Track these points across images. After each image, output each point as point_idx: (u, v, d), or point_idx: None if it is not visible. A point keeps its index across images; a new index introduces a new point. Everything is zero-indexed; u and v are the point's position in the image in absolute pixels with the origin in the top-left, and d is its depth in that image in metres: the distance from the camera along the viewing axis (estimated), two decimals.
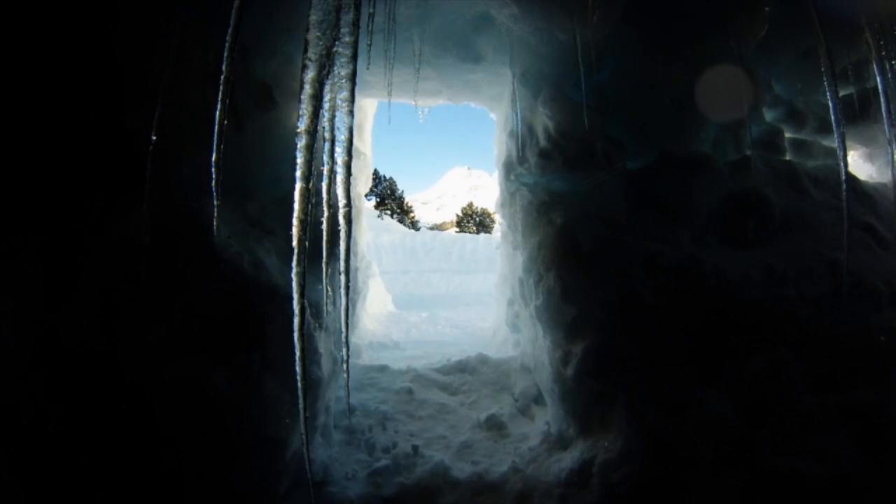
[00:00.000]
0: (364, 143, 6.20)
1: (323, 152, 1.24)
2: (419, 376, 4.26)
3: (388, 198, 23.35)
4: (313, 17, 1.15)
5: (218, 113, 1.48)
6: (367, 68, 3.24)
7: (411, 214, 24.11)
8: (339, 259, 1.39)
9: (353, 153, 1.29)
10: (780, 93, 4.52)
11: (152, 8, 2.50)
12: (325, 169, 1.24)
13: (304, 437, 1.51)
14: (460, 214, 25.80)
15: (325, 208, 1.29)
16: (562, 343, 3.17)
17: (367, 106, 6.27)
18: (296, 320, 1.30)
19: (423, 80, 4.68)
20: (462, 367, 4.47)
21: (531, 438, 3.30)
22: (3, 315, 2.10)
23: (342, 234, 1.32)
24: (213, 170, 1.58)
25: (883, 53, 2.80)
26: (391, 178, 24.33)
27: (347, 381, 1.71)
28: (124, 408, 2.20)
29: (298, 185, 1.21)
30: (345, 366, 1.64)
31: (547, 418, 3.36)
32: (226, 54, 1.39)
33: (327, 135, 1.23)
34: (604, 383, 2.92)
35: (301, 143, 1.18)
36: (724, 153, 4.02)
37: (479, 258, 12.18)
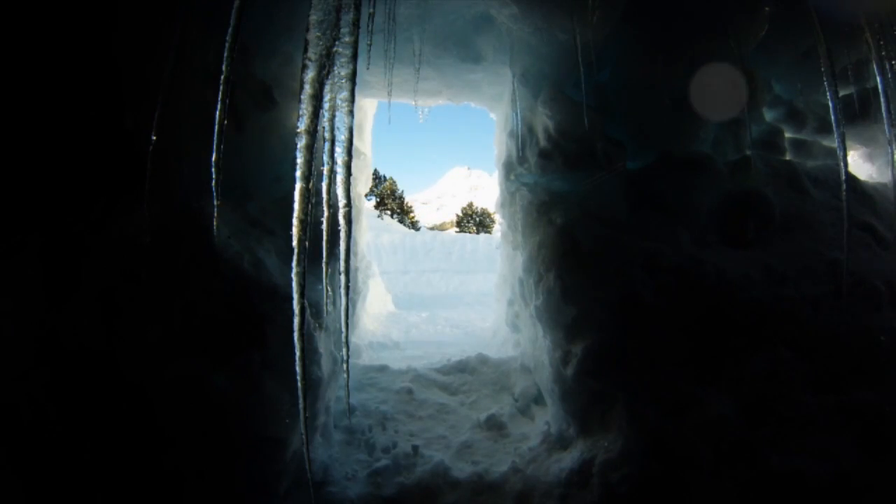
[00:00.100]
0: (364, 143, 6.20)
1: (323, 152, 1.24)
2: (419, 376, 4.26)
3: (388, 198, 23.36)
4: (313, 17, 1.15)
5: (218, 113, 1.48)
6: (367, 68, 3.24)
7: (411, 214, 24.10)
8: (339, 259, 1.39)
9: (353, 153, 1.29)
10: (780, 93, 4.51)
11: (152, 8, 2.50)
12: (325, 169, 1.24)
13: (304, 437, 1.52)
14: (460, 214, 25.78)
15: (325, 208, 1.29)
16: (562, 343, 3.17)
17: (367, 106, 6.27)
18: (296, 320, 1.30)
19: (423, 80, 4.68)
20: (462, 367, 4.47)
21: (531, 438, 3.30)
22: (3, 315, 2.10)
23: (342, 234, 1.32)
24: (213, 170, 1.58)
25: (883, 53, 2.80)
26: (391, 178, 24.34)
27: (347, 381, 1.71)
28: (124, 408, 2.20)
29: (298, 185, 1.21)
30: (345, 366, 1.64)
31: (547, 418, 3.36)
32: (226, 54, 1.39)
33: (327, 135, 1.23)
34: (604, 383, 2.92)
35: (301, 143, 1.18)
36: (724, 153, 4.02)
37: (479, 258, 12.18)
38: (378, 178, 23.90)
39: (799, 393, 2.76)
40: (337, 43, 1.16)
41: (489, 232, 22.72)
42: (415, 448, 3.18)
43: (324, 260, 1.39)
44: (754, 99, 3.92)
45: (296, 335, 1.32)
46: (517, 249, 4.38)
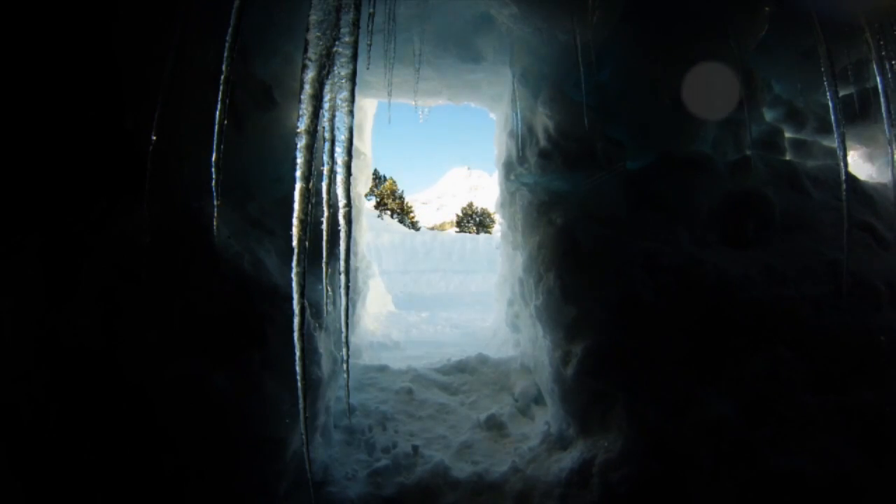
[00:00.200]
0: (364, 143, 6.20)
1: (323, 152, 1.24)
2: (419, 376, 4.26)
3: (388, 198, 23.36)
4: (313, 17, 1.15)
5: (218, 113, 1.48)
6: (367, 68, 3.24)
7: (411, 215, 24.10)
8: (339, 259, 1.40)
9: (353, 153, 1.29)
10: (780, 93, 4.51)
11: (152, 8, 2.50)
12: (325, 169, 1.25)
13: (304, 437, 1.52)
14: (460, 214, 25.78)
15: (325, 208, 1.29)
16: (562, 343, 3.17)
17: (367, 106, 6.27)
18: (296, 320, 1.30)
19: (423, 80, 4.68)
20: (462, 368, 4.47)
21: (531, 438, 3.30)
22: (3, 315, 2.10)
23: (342, 234, 1.32)
24: (213, 170, 1.58)
25: (883, 53, 2.80)
26: (391, 178, 24.34)
27: (347, 381, 1.71)
28: (124, 408, 2.20)
29: (298, 185, 1.21)
30: (345, 366, 1.64)
31: (547, 418, 3.36)
32: (226, 54, 1.39)
33: (327, 135, 1.23)
34: (604, 383, 2.92)
35: (301, 143, 1.18)
36: (724, 153, 4.02)
37: (479, 258, 12.18)
38: (378, 178, 23.90)
39: (799, 393, 2.76)
40: (337, 43, 1.16)
41: (489, 232, 22.72)
42: (415, 448, 3.18)
43: (324, 260, 1.39)
44: (754, 99, 3.92)
45: (296, 335, 1.32)
46: (517, 249, 4.38)
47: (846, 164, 2.42)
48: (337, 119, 1.22)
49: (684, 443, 2.61)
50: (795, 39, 4.03)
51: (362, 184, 6.18)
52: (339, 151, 1.24)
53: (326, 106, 1.20)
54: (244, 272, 2.76)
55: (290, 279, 1.28)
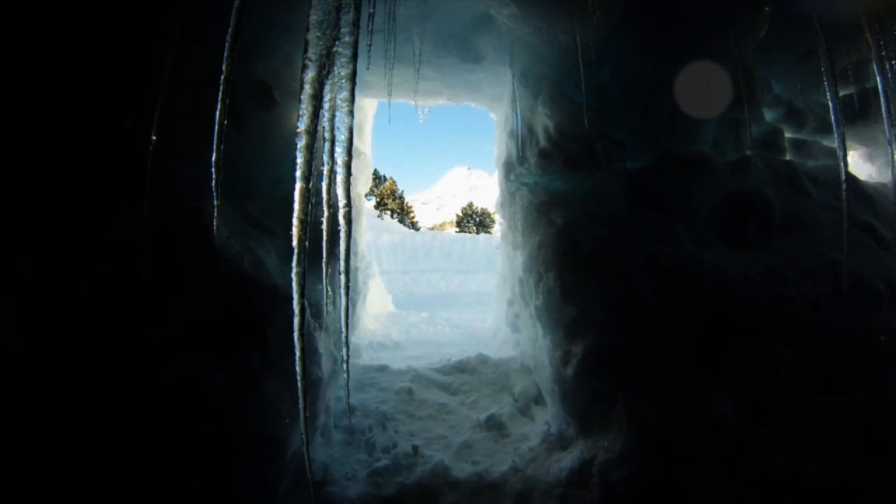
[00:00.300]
0: (364, 143, 6.20)
1: (323, 152, 1.24)
2: (419, 376, 4.26)
3: (388, 198, 23.36)
4: (313, 17, 1.15)
5: (218, 113, 1.48)
6: (367, 68, 3.24)
7: (411, 215, 24.10)
8: (339, 259, 1.40)
9: (353, 153, 1.29)
10: (780, 93, 4.51)
11: (152, 8, 2.50)
12: (325, 169, 1.25)
13: (304, 437, 1.52)
14: (460, 214, 25.78)
15: (325, 208, 1.29)
16: (562, 343, 3.17)
17: (367, 106, 6.27)
18: (296, 320, 1.30)
19: (423, 80, 4.68)
20: (462, 367, 4.47)
21: (531, 438, 3.30)
22: (3, 315, 2.10)
23: (342, 234, 1.32)
24: (213, 170, 1.58)
25: (883, 53, 2.80)
26: (391, 178, 24.34)
27: (347, 381, 1.71)
28: (125, 408, 2.20)
29: (298, 185, 1.21)
30: (345, 366, 1.64)
31: (547, 418, 3.36)
32: (226, 54, 1.39)
33: (327, 135, 1.23)
34: (604, 383, 2.92)
35: (301, 143, 1.18)
36: (724, 153, 4.02)
37: (479, 258, 12.18)
38: (378, 178, 23.90)
39: (799, 393, 2.76)
40: (337, 43, 1.16)
41: (489, 232, 22.72)
42: (415, 448, 3.18)
43: (324, 260, 1.39)
44: (754, 99, 3.92)
45: (296, 335, 1.32)
46: (517, 249, 4.38)
47: (846, 164, 2.42)
48: (337, 119, 1.22)
49: (684, 443, 2.61)
50: (795, 39, 4.03)
51: (362, 184, 6.18)
52: (339, 151, 1.24)
53: (326, 106, 1.20)
54: (244, 272, 2.76)
55: (290, 279, 1.28)
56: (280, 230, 3.27)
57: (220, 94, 1.46)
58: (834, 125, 2.37)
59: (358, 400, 3.78)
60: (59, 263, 2.29)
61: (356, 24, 1.17)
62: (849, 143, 4.57)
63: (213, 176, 1.59)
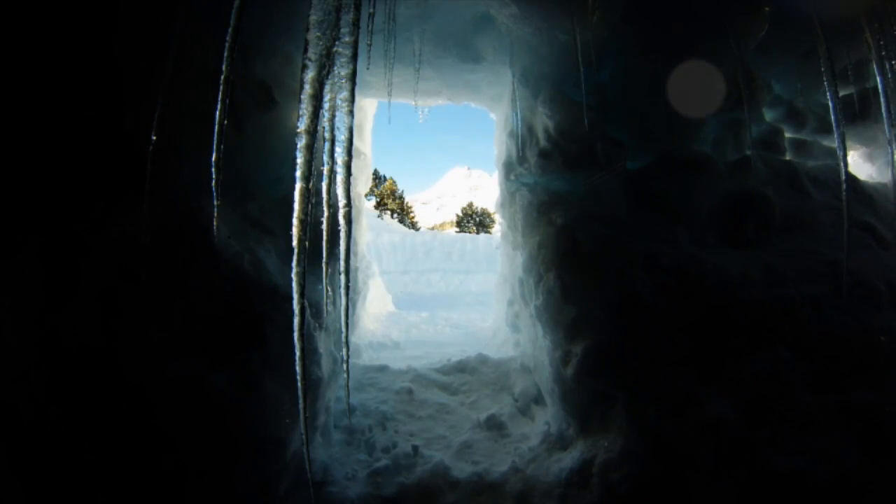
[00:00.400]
0: (364, 143, 6.20)
1: (323, 152, 1.24)
2: (419, 376, 4.26)
3: (388, 198, 23.36)
4: (313, 17, 1.15)
5: (218, 113, 1.48)
6: (367, 68, 3.24)
7: (411, 215, 24.11)
8: (339, 259, 1.40)
9: (353, 153, 1.29)
10: (780, 93, 4.52)
11: (152, 8, 2.50)
12: (325, 169, 1.25)
13: (304, 436, 1.52)
14: (460, 214, 25.78)
15: (325, 208, 1.29)
16: (562, 343, 3.17)
17: (367, 106, 6.27)
18: (296, 320, 1.30)
19: (423, 80, 4.68)
20: (462, 368, 4.47)
21: (531, 438, 3.30)
22: (3, 315, 2.10)
23: (342, 234, 1.32)
24: (213, 170, 1.58)
25: (883, 53, 2.80)
26: (391, 178, 24.34)
27: (347, 381, 1.71)
28: (124, 408, 2.20)
29: (298, 185, 1.21)
30: (345, 366, 1.64)
31: (547, 418, 3.36)
32: (226, 54, 1.39)
33: (327, 135, 1.23)
34: (604, 383, 2.92)
35: (301, 143, 1.18)
36: (724, 153, 4.02)
37: (479, 258, 12.18)
38: (378, 178, 23.91)
39: (799, 393, 2.76)
40: (337, 43, 1.16)
41: (489, 232, 22.72)
42: (415, 448, 3.18)
43: (324, 260, 1.39)
44: (754, 99, 3.92)
45: (296, 335, 1.32)
46: (517, 249, 4.38)
47: (846, 164, 2.43)
48: (337, 119, 1.22)
49: (684, 443, 2.61)
50: (795, 39, 4.03)
51: (362, 184, 6.18)
52: (339, 151, 1.24)
53: (326, 106, 1.20)
54: (244, 272, 2.76)
55: (290, 279, 1.28)
56: (280, 230, 3.27)
57: (220, 94, 1.46)
58: (834, 125, 2.37)
59: (358, 400, 3.78)
60: (59, 263, 2.29)
61: (356, 24, 1.17)
62: (849, 143, 4.57)
63: (213, 176, 1.59)
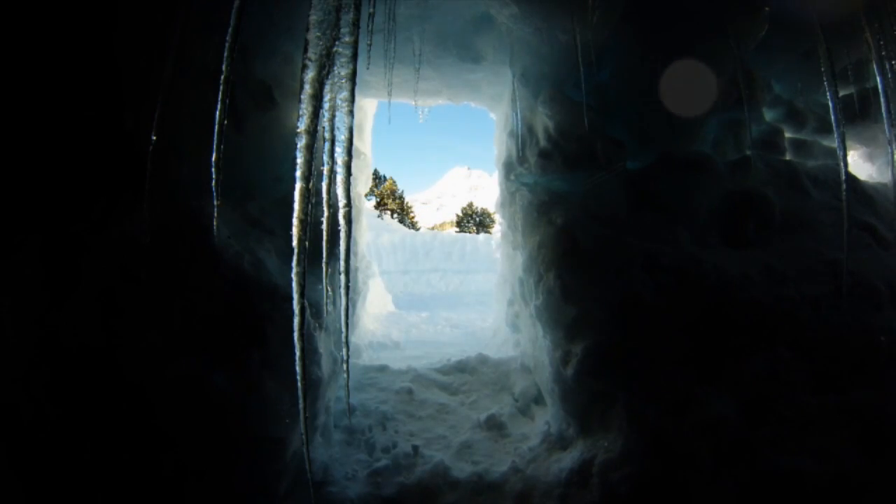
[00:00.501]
0: (364, 143, 6.20)
1: (323, 152, 1.24)
2: (419, 376, 4.26)
3: (388, 198, 23.35)
4: (313, 17, 1.15)
5: (218, 113, 1.48)
6: (367, 68, 3.24)
7: (411, 215, 24.10)
8: (339, 259, 1.39)
9: (353, 153, 1.29)
10: (780, 93, 4.52)
11: (152, 8, 2.50)
12: (325, 169, 1.24)
13: (304, 436, 1.51)
14: (460, 214, 25.77)
15: (325, 208, 1.29)
16: (562, 343, 3.17)
17: (367, 106, 6.27)
18: (296, 320, 1.30)
19: (423, 80, 4.68)
20: (462, 367, 4.47)
21: (531, 438, 3.30)
22: (3, 315, 2.10)
23: (342, 234, 1.32)
24: (213, 170, 1.58)
25: (883, 53, 2.80)
26: (391, 178, 24.33)
27: (347, 381, 1.71)
28: (124, 408, 2.20)
29: (298, 185, 1.21)
30: (345, 366, 1.64)
31: (547, 418, 3.36)
32: (226, 54, 1.39)
33: (327, 135, 1.23)
34: (604, 383, 2.92)
35: (301, 143, 1.18)
36: (724, 153, 4.02)
37: (479, 258, 12.17)
38: (378, 178, 23.90)
39: (799, 393, 2.76)
40: (337, 43, 1.16)
41: (489, 232, 22.70)
42: (415, 448, 3.18)
43: (324, 260, 1.39)
44: (754, 99, 3.92)
45: (296, 335, 1.32)
46: (517, 249, 4.38)
47: (846, 164, 2.42)
48: (337, 119, 1.22)
49: (684, 443, 2.61)
50: (795, 39, 4.03)
51: (362, 184, 6.18)
52: (339, 151, 1.24)
53: (326, 106, 1.20)
54: (244, 272, 2.76)
55: (290, 279, 1.28)
56: (280, 230, 3.27)
57: (220, 94, 1.46)
58: (834, 125, 2.37)
59: (358, 400, 3.78)
60: (59, 263, 2.29)
61: (356, 24, 1.17)
62: (849, 143, 4.57)
63: (213, 176, 1.59)
